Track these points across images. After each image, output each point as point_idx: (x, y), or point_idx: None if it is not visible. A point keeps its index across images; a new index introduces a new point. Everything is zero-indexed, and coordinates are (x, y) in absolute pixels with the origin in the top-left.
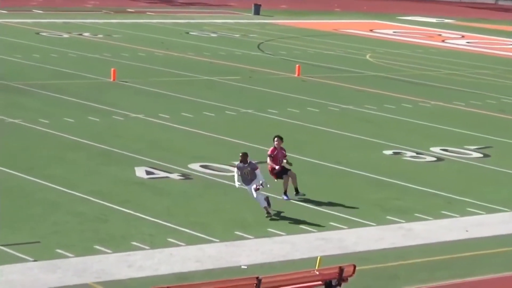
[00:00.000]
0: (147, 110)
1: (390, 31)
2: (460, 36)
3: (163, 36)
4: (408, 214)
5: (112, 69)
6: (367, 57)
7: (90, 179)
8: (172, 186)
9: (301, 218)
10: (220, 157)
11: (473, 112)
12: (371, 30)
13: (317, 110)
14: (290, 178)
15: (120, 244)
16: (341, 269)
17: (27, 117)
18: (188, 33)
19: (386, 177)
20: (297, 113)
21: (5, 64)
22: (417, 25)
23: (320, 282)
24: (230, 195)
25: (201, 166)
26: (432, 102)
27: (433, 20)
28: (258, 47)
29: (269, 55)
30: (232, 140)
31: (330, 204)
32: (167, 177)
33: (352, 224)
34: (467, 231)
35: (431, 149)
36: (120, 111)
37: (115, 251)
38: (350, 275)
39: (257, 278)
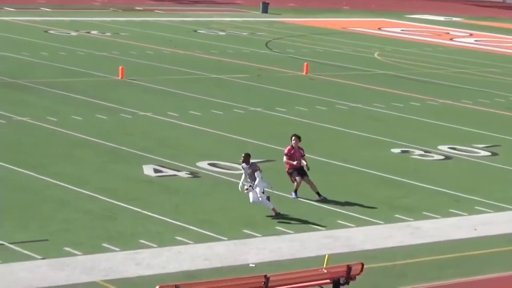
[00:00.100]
0: (155, 108)
1: (398, 29)
2: (468, 35)
3: (171, 34)
4: (416, 212)
5: (120, 67)
6: (375, 55)
7: (98, 177)
8: (180, 184)
9: (309, 216)
10: (228, 155)
11: (481, 111)
12: (379, 29)
13: (325, 108)
14: (308, 185)
15: (128, 242)
16: (349, 268)
17: (35, 115)
18: (196, 31)
19: (394, 176)
20: (305, 111)
21: (13, 62)
22: (425, 23)
23: (328, 280)
24: (238, 193)
25: (209, 164)
26: (440, 100)
27: (441, 18)
28: (266, 45)
29: (277, 53)
30: (240, 138)
31: (338, 202)
32: (175, 175)
33: (360, 222)
34: (475, 229)
35: (439, 147)
36: (128, 109)
37: (123, 249)
38: (358, 274)
39: (265, 276)
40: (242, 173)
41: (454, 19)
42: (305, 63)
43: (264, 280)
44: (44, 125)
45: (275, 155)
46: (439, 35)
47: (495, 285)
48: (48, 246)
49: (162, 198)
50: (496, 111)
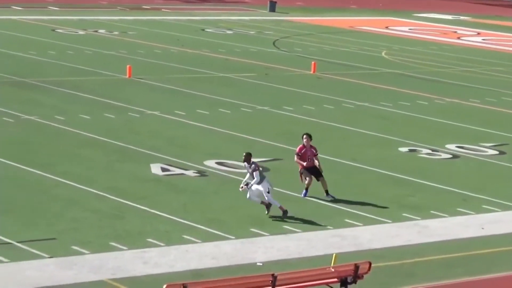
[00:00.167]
0: (162, 107)
1: (406, 28)
2: (476, 33)
3: (178, 33)
4: (423, 211)
5: (128, 66)
6: (383, 54)
7: (106, 176)
8: (188, 183)
9: (317, 215)
10: (235, 154)
11: (488, 109)
12: (386, 27)
13: (332, 107)
14: (320, 183)
15: (136, 241)
16: (356, 266)
17: (43, 114)
18: (203, 30)
19: (401, 174)
20: (313, 110)
21: (21, 61)
22: (433, 22)
23: (335, 279)
24: (246, 192)
25: (217, 163)
26: (448, 99)
27: (449, 17)
28: (273, 44)
29: (284, 52)
30: (247, 137)
31: (346, 201)
32: (182, 174)
33: (367, 221)
34: (483, 228)
35: (447, 146)
36: (135, 108)
37: (131, 248)
38: (366, 272)
39: (272, 275)
40: (244, 173)
41: (462, 18)
42: (313, 62)
43: (271, 279)
44: (52, 124)
45: (283, 154)
46: (447, 34)
47: (503, 284)
48: (56, 245)
49: (169, 197)
50: (504, 110)
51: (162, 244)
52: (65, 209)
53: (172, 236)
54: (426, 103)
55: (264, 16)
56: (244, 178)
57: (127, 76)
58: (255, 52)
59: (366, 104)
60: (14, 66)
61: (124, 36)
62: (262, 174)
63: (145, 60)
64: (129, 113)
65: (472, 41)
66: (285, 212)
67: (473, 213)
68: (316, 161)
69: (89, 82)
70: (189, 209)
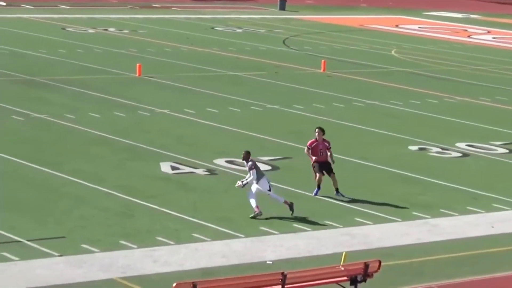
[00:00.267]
0: (172, 106)
1: (416, 27)
2: (486, 32)
3: (188, 32)
4: (433, 209)
5: (138, 64)
6: (393, 52)
7: (115, 174)
8: (198, 182)
9: (327, 214)
10: None
11: (498, 108)
12: (397, 26)
13: (342, 106)
14: (331, 180)
15: (145, 239)
16: (366, 265)
17: (52, 112)
18: (213, 28)
19: (411, 173)
20: (323, 108)
21: (31, 59)
22: (443, 20)
23: (345, 278)
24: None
25: (227, 161)
26: (458, 98)
27: (459, 15)
28: (283, 42)
29: (294, 51)
30: (257, 135)
31: (356, 199)
32: (192, 172)
33: (377, 220)
34: (492, 227)
35: (457, 144)
36: (145, 106)
37: (140, 246)
38: (375, 271)
39: (282, 273)
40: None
41: (472, 16)
42: (323, 60)
43: (281, 277)
44: (61, 122)
45: (293, 152)
46: (457, 32)
47: None
48: (65, 243)
49: (179, 196)
50: None
51: (171, 243)
52: (75, 207)
53: (181, 234)
54: (436, 101)
55: (274, 14)
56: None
57: (137, 75)
58: (265, 50)
59: (376, 102)
60: (24, 65)
61: (134, 35)
62: (260, 173)
63: (155, 58)
64: (139, 112)
65: (483, 40)
66: (290, 205)
67: (483, 211)
68: (329, 154)
69: (99, 80)
70: (199, 207)
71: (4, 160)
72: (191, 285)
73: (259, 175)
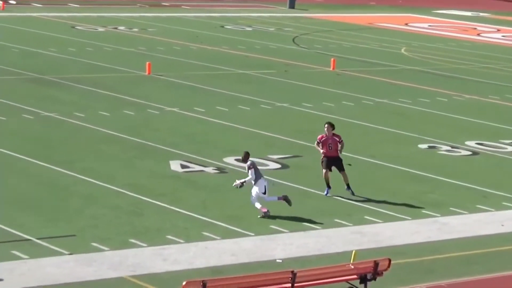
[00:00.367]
0: (182, 104)
1: (425, 25)
2: (496, 30)
3: (198, 30)
4: (443, 208)
5: (147, 62)
6: (402, 50)
7: (125, 173)
8: (207, 180)
9: (336, 212)
10: (255, 151)
11: (508, 106)
12: (406, 24)
13: (352, 104)
14: (342, 176)
15: (155, 237)
16: (376, 263)
17: (62, 110)
18: (223, 26)
19: (421, 171)
20: (332, 106)
21: (40, 58)
22: (452, 18)
23: (355, 276)
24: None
25: (236, 159)
26: (467, 96)
27: (468, 13)
28: (293, 41)
29: (304, 49)
30: (267, 133)
31: (366, 198)
32: (202, 170)
33: (387, 218)
34: (502, 225)
35: (466, 143)
36: (155, 105)
37: (150, 245)
38: (385, 269)
39: (292, 271)
40: (263, 169)
41: (481, 14)
42: (332, 59)
43: (291, 275)
44: (71, 120)
45: (302, 151)
46: (466, 30)
47: None
48: (75, 242)
49: (189, 194)
50: None
51: (181, 241)
52: (85, 206)
53: (191, 232)
54: (446, 99)
55: (283, 13)
56: (266, 175)
57: (147, 73)
58: (275, 49)
59: (386, 100)
60: (34, 63)
61: (144, 33)
62: (259, 173)
63: (164, 57)
64: (149, 110)
65: (492, 38)
66: (285, 198)
67: (493, 210)
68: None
69: (109, 79)
70: (209, 206)
71: (14, 159)
72: (201, 283)
73: (258, 175)
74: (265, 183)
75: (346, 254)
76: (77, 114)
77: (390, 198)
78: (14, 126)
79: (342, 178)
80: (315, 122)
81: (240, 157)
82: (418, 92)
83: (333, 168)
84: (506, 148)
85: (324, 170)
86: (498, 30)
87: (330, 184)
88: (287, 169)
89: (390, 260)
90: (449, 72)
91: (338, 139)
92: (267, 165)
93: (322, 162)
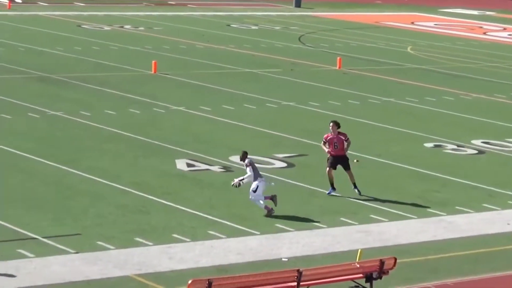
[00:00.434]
0: (188, 103)
1: (431, 24)
2: (502, 29)
3: (204, 29)
4: (449, 207)
5: (153, 61)
6: (408, 49)
7: (131, 171)
8: (213, 178)
9: (342, 211)
10: (261, 150)
11: None
12: (412, 23)
13: (358, 103)
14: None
15: (161, 236)
16: (382, 262)
17: (68, 109)
18: (229, 25)
19: (427, 170)
20: (338, 105)
21: (47, 56)
22: (459, 17)
23: (361, 275)
24: (271, 187)
25: None
26: (473, 95)
27: (475, 12)
28: (299, 39)
29: (310, 48)
30: (273, 132)
31: (371, 196)
32: (208, 169)
33: (393, 217)
34: (508, 224)
35: (472, 141)
36: (161, 104)
37: (156, 243)
38: (391, 268)
39: (298, 270)
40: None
41: (488, 13)
42: (338, 58)
43: (296, 274)
44: (77, 119)
45: (308, 149)
46: (473, 29)
47: None
48: (81, 240)
49: (194, 192)
50: None
51: (187, 240)
52: (90, 205)
53: (197, 231)
54: (452, 98)
55: (289, 11)
56: (272, 174)
57: (153, 72)
58: (281, 47)
59: (392, 99)
60: (40, 62)
61: (150, 32)
62: (257, 172)
63: (170, 55)
64: (154, 109)
65: (498, 36)
66: (272, 198)
67: (498, 209)
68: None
69: (115, 77)
70: (214, 204)
71: (20, 157)
72: (207, 282)
73: (256, 173)
74: (258, 183)
75: (351, 253)
76: (83, 112)
77: (396, 197)
78: (20, 124)
79: (348, 177)
80: (321, 121)
81: (247, 161)
82: (425, 91)
83: (339, 167)
84: None
85: (327, 168)
86: (504, 29)
87: (335, 185)
88: (293, 168)
89: (395, 259)
90: (456, 71)
91: (344, 138)
92: (273, 164)
93: (327, 160)
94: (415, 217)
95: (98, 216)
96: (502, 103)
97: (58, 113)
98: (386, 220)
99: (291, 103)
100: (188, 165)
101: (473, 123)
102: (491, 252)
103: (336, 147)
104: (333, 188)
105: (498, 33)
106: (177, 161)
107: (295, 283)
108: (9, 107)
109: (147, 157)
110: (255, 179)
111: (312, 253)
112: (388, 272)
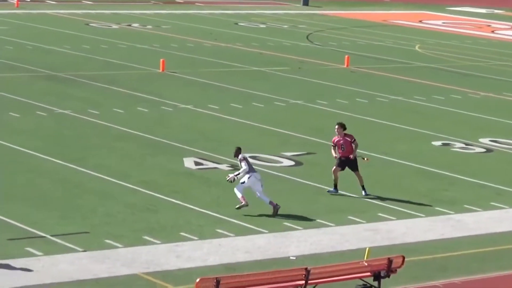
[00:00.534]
0: (196, 101)
1: (440, 22)
2: (510, 27)
3: (211, 27)
4: (457, 205)
5: (161, 59)
6: (416, 48)
7: (139, 170)
8: (221, 177)
9: (350, 209)
10: (269, 148)
11: None
12: (420, 21)
13: (366, 101)
14: (356, 177)
15: (169, 234)
16: (389, 260)
17: (76, 107)
18: (237, 23)
19: (435, 168)
20: (346, 104)
21: (55, 55)
22: (467, 15)
23: (368, 273)
24: (278, 185)
25: (250, 157)
26: (482, 93)
27: (483, 10)
28: (307, 38)
29: (318, 46)
30: (281, 131)
31: (379, 195)
32: (216, 167)
33: (401, 215)
34: None
35: (480, 140)
36: (169, 102)
37: (164, 242)
38: (399, 266)
39: (305, 269)
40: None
41: (496, 11)
42: (346, 56)
43: (304, 272)
44: (85, 117)
45: (316, 148)
46: (481, 27)
47: None
48: (89, 239)
49: (202, 191)
50: None
51: (195, 238)
52: (98, 203)
53: (205, 230)
54: (460, 97)
55: (297, 10)
56: (280, 172)
57: (161, 70)
58: (289, 46)
59: (400, 98)
60: (48, 60)
61: (158, 30)
62: (251, 167)
63: (178, 54)
64: (162, 107)
65: (506, 35)
66: (275, 207)
67: (506, 207)
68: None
69: (123, 76)
70: (222, 203)
71: (28, 156)
72: (215, 280)
73: (250, 168)
74: (249, 177)
75: (359, 251)
76: (91, 111)
77: (404, 196)
78: (28, 123)
79: (357, 179)
80: (329, 119)
81: (241, 156)
82: (433, 89)
83: (347, 169)
84: None
85: (334, 167)
86: None
87: (338, 186)
88: (300, 166)
89: (403, 258)
90: (464, 69)
91: (350, 140)
92: (280, 162)
93: (335, 158)
94: (423, 215)
95: (106, 214)
96: (510, 101)
97: (66, 112)
98: (394, 218)
99: (299, 102)
100: (196, 163)
101: (481, 122)
102: (499, 251)
103: (343, 149)
104: (336, 189)
105: (506, 32)
106: (185, 159)
107: (303, 282)
108: (17, 105)
109: (155, 155)
110: (247, 173)
111: (320, 251)
112: (396, 270)
